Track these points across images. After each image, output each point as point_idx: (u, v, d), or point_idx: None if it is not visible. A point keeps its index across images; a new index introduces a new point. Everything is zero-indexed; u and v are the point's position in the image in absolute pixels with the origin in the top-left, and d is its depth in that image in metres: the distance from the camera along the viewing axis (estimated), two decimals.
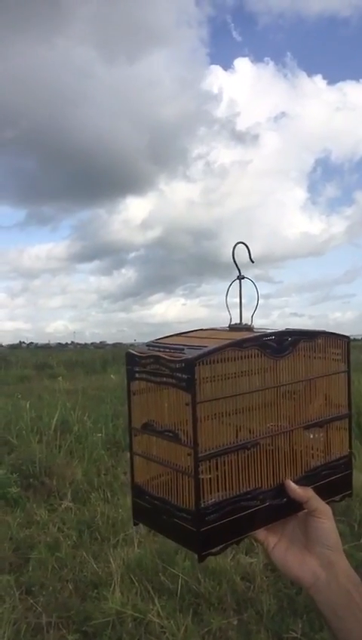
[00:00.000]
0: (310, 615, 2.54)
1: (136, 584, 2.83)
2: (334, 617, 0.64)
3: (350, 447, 0.80)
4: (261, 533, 0.70)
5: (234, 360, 0.68)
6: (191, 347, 0.68)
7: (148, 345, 0.76)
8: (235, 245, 0.79)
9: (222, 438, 0.67)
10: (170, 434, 0.68)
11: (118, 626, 2.51)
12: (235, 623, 2.58)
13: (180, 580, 2.80)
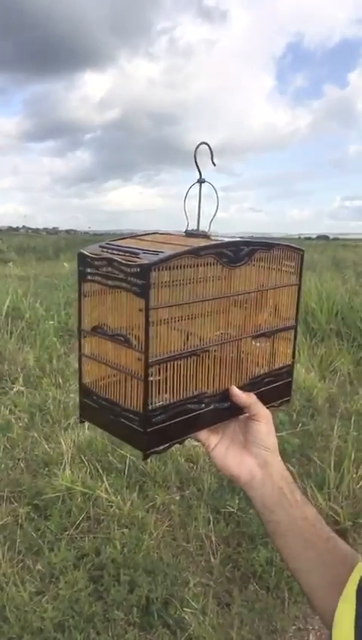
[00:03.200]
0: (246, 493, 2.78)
1: (86, 463, 2.99)
2: (266, 511, 0.71)
3: (293, 357, 0.83)
4: (203, 434, 0.74)
5: (190, 267, 0.67)
6: (146, 252, 0.67)
7: (101, 246, 0.73)
8: (198, 146, 0.75)
9: (172, 344, 0.67)
10: (121, 338, 0.68)
11: (68, 501, 2.68)
12: (178, 498, 2.80)
13: (128, 460, 2.98)
